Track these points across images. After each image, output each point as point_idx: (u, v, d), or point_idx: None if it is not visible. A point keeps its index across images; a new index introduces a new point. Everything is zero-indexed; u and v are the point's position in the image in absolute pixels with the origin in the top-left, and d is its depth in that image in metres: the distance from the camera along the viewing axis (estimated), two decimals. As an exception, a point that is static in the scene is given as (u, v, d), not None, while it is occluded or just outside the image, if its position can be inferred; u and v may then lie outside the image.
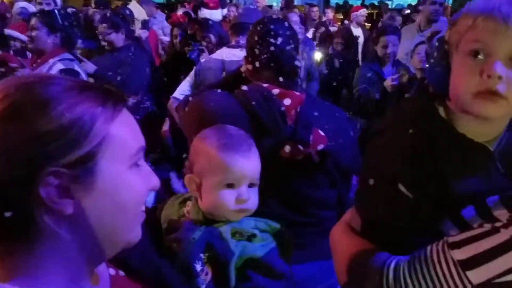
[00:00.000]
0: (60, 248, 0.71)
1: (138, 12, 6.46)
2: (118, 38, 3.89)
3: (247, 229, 1.24)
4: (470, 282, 0.82)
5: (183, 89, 3.16)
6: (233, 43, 3.22)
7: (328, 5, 12.50)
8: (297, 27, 3.68)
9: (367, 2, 12.17)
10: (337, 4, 13.22)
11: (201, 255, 1.19)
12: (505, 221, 0.83)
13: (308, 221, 1.76)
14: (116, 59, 3.81)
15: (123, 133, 0.74)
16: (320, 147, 1.70)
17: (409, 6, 10.64)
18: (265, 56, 1.72)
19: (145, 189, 0.78)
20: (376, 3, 12.86)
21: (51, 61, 3.12)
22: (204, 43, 4.08)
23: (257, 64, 1.74)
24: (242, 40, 3.00)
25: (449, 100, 1.02)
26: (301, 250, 1.34)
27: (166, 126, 3.13)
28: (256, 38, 1.75)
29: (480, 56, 0.93)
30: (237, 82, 1.83)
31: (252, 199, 1.26)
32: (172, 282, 1.01)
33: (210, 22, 4.30)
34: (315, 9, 8.08)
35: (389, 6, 12.44)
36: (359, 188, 1.19)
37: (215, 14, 6.64)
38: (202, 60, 3.39)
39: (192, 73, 3.20)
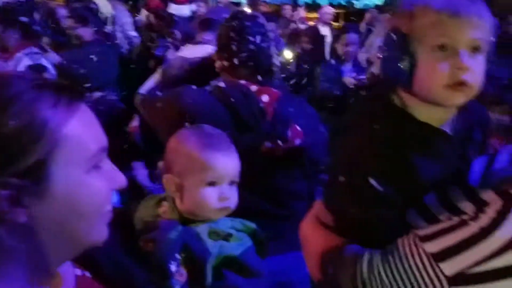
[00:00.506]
0: (14, 255, 0.67)
1: (104, 7, 6.31)
2: (86, 32, 3.78)
3: (224, 229, 1.24)
4: (443, 274, 0.84)
5: (150, 85, 3.11)
6: (198, 39, 3.19)
7: (296, 4, 12.56)
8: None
9: (334, 2, 12.28)
10: (306, 3, 13.29)
11: (177, 255, 1.18)
12: (472, 214, 0.85)
13: (287, 213, 1.80)
14: (83, 53, 3.71)
15: (79, 134, 0.69)
16: (297, 141, 1.75)
17: (376, 6, 10.80)
18: (243, 54, 1.72)
19: (108, 190, 0.74)
20: (343, 3, 13.01)
21: (17, 55, 3.04)
22: (169, 40, 4.02)
23: (235, 61, 1.74)
24: (208, 37, 2.97)
25: (406, 90, 1.05)
26: (279, 241, 1.35)
27: (135, 122, 3.07)
28: (231, 34, 1.74)
29: (446, 49, 0.98)
30: (204, 76, 1.82)
31: (233, 197, 1.28)
32: (140, 283, 0.99)
33: (176, 17, 4.25)
34: (287, 7, 8.10)
35: (356, 6, 12.62)
36: (329, 185, 1.21)
37: (183, 9, 6.57)
38: (169, 58, 3.35)
39: (159, 70, 3.17)
